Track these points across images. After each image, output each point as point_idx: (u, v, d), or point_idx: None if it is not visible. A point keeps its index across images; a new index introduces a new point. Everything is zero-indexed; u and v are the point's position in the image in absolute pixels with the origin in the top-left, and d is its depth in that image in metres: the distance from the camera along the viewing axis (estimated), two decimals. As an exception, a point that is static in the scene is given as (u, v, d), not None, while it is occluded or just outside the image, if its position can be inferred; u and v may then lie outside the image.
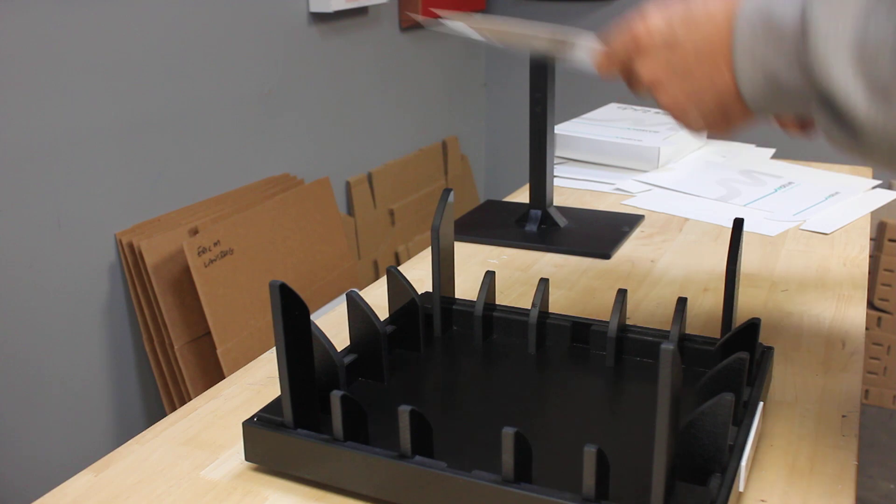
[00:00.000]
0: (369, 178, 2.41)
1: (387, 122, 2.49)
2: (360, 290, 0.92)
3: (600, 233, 1.09)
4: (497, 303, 0.81)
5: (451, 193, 0.87)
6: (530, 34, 0.70)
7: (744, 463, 0.56)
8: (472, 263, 1.03)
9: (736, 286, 0.74)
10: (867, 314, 1.72)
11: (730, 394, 0.54)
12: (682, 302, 0.73)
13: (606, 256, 1.03)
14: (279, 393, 0.61)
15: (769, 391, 0.72)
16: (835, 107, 0.48)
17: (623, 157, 1.35)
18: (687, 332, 0.74)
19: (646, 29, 0.59)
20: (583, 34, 0.68)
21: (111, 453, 0.66)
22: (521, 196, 1.28)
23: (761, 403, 0.63)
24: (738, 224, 0.73)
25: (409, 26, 2.51)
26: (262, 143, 2.04)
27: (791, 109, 0.54)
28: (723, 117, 0.58)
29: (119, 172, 1.70)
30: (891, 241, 2.30)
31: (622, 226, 1.12)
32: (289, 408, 0.60)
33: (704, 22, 0.56)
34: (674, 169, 1.36)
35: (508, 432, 0.52)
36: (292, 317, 0.63)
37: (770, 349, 0.72)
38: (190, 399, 0.75)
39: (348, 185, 2.34)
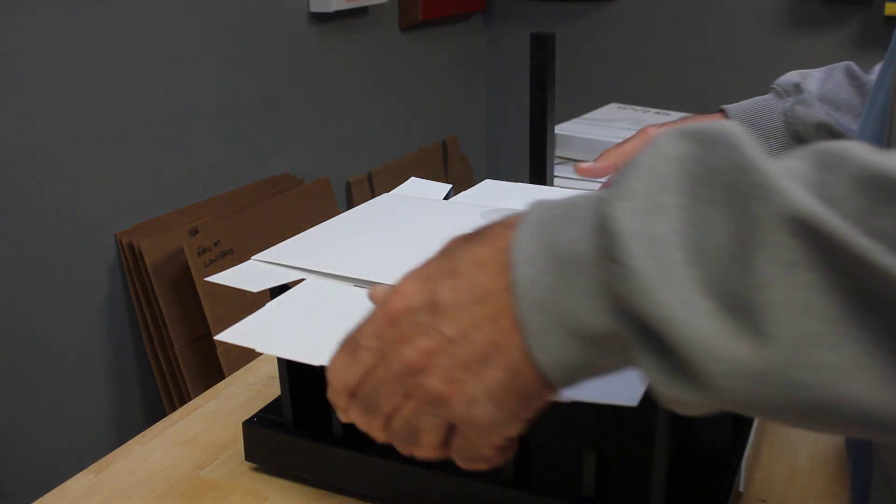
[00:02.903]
0: (369, 178, 2.41)
1: (387, 122, 2.49)
2: (360, 290, 0.91)
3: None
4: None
5: (452, 190, 0.87)
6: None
7: (744, 463, 0.56)
8: (472, 263, 1.03)
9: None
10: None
11: (730, 394, 0.54)
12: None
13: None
14: (279, 393, 0.61)
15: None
16: (668, 345, 0.34)
17: (623, 157, 1.35)
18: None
19: (401, 299, 0.42)
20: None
21: (111, 453, 0.66)
22: (521, 196, 1.28)
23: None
24: None
25: (409, 26, 2.51)
26: (262, 143, 2.04)
27: (607, 367, 0.39)
28: (518, 397, 0.40)
29: (119, 172, 1.70)
30: None
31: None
32: (289, 408, 0.60)
33: (470, 268, 0.40)
34: (674, 169, 1.36)
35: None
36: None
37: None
38: (190, 399, 0.75)
39: (348, 185, 2.34)
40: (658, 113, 1.54)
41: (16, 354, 1.54)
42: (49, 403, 1.61)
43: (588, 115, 1.54)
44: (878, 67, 0.86)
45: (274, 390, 0.74)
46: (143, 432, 0.68)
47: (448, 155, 2.76)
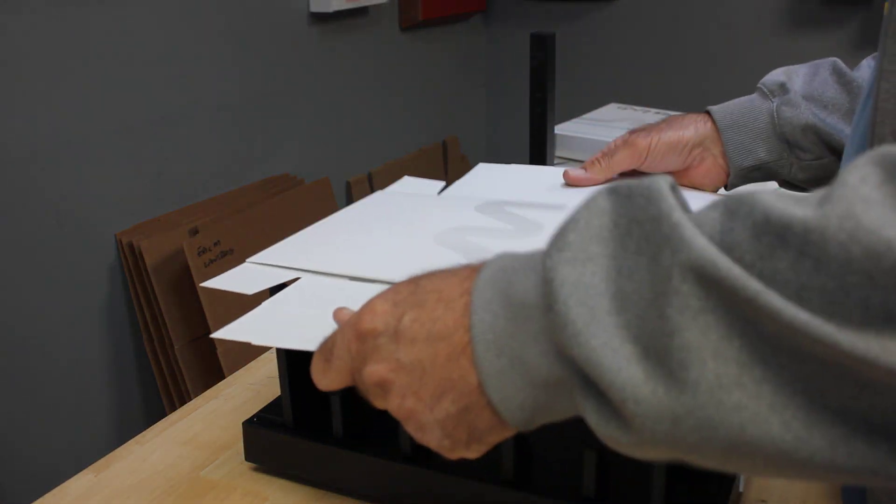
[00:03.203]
0: (369, 178, 2.41)
1: (387, 122, 2.49)
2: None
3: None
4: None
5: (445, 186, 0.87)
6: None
7: (744, 463, 0.56)
8: (472, 263, 1.03)
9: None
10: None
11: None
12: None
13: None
14: (279, 393, 0.61)
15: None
16: (600, 388, 0.37)
17: (623, 158, 1.35)
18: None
19: (370, 319, 0.45)
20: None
21: (111, 453, 0.66)
22: (521, 196, 1.28)
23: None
24: None
25: (409, 26, 2.51)
26: (262, 143, 2.04)
27: (560, 410, 0.41)
28: (468, 430, 0.43)
29: (119, 172, 1.70)
30: None
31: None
32: (289, 408, 0.60)
33: (434, 303, 0.43)
34: (674, 169, 1.36)
35: (508, 433, 0.52)
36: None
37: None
38: (190, 399, 0.75)
39: (348, 185, 2.34)
40: (658, 113, 1.54)
41: (16, 354, 1.54)
42: (49, 403, 1.61)
43: (588, 115, 1.54)
44: (865, 63, 0.85)
45: (274, 390, 0.74)
46: (143, 432, 0.68)
47: (448, 155, 2.76)
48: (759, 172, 0.86)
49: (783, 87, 0.86)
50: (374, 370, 0.44)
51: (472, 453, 0.44)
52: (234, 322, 0.56)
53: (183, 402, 1.70)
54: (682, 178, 0.87)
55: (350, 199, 2.34)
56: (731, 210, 0.36)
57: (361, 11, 2.30)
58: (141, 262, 1.66)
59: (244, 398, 0.73)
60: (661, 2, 2.62)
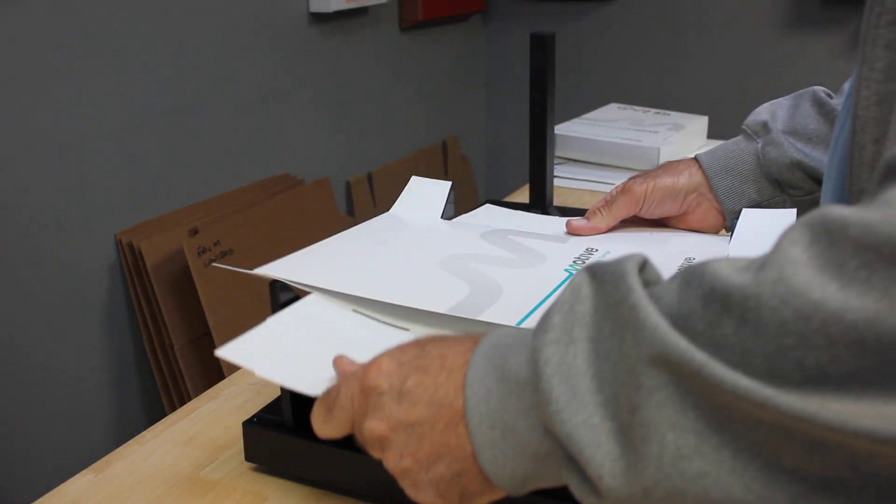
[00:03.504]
0: (369, 178, 2.41)
1: (387, 122, 2.49)
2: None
3: (600, 233, 1.09)
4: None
5: (451, 186, 0.87)
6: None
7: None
8: (472, 263, 1.03)
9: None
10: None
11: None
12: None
13: (606, 257, 1.03)
14: (279, 393, 0.61)
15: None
16: (579, 464, 0.39)
17: (623, 158, 1.35)
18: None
19: (376, 375, 0.47)
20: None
21: (111, 453, 0.66)
22: (521, 196, 1.28)
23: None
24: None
25: (409, 26, 2.51)
26: (262, 143, 2.04)
27: (549, 479, 0.43)
28: (460, 491, 0.45)
29: (119, 172, 1.70)
30: None
31: (622, 226, 1.12)
32: (289, 408, 0.60)
33: (437, 369, 0.46)
34: (674, 169, 1.36)
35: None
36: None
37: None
38: (190, 399, 0.75)
39: (348, 185, 2.34)
40: (658, 113, 1.54)
41: (16, 354, 1.54)
42: (49, 403, 1.61)
43: (588, 115, 1.54)
44: (846, 86, 0.86)
45: (274, 390, 0.74)
46: (143, 432, 0.68)
47: (448, 155, 2.76)
48: None
49: (766, 127, 0.87)
50: (376, 427, 0.47)
51: None
52: (238, 340, 0.56)
53: (183, 402, 1.70)
54: (680, 222, 0.90)
55: (350, 199, 2.34)
56: (686, 280, 0.38)
57: (361, 11, 2.30)
58: (141, 262, 1.66)
59: (244, 398, 0.73)
60: (661, 2, 2.62)
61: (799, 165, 0.84)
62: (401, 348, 0.48)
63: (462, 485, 0.45)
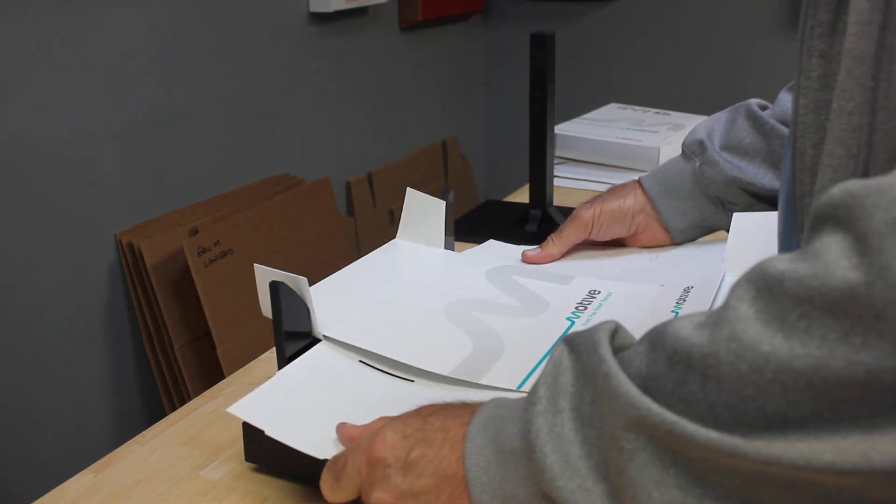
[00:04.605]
0: (369, 178, 2.41)
1: (387, 122, 2.49)
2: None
3: (600, 233, 1.09)
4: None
5: (451, 193, 0.87)
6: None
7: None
8: (472, 263, 1.03)
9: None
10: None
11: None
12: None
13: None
14: (279, 393, 0.61)
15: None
16: None
17: (623, 157, 1.35)
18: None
19: (381, 448, 0.49)
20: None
21: (111, 453, 0.66)
22: (521, 196, 1.28)
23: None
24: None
25: (409, 26, 2.51)
26: (262, 143, 2.04)
27: None
28: None
29: (119, 172, 1.70)
30: None
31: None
32: (289, 408, 0.60)
33: (440, 442, 0.48)
34: (674, 169, 1.36)
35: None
36: (292, 316, 0.63)
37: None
38: (190, 399, 0.75)
39: (348, 185, 2.34)
40: (658, 113, 1.54)
41: (16, 354, 1.54)
42: (49, 403, 1.61)
43: (588, 115, 1.54)
44: (783, 96, 0.89)
45: (274, 390, 0.74)
46: (143, 432, 0.68)
47: (448, 155, 2.76)
48: (699, 230, 0.92)
49: (702, 146, 0.90)
50: (382, 498, 0.49)
51: None
52: (249, 396, 0.59)
53: (183, 402, 1.70)
54: (632, 242, 0.94)
55: (350, 199, 2.34)
56: (652, 343, 0.41)
57: (361, 11, 2.30)
58: (141, 262, 1.66)
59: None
60: (661, 2, 2.62)
61: (735, 182, 0.88)
62: (404, 420, 0.51)
63: None
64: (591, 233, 0.91)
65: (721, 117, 0.93)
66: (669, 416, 0.38)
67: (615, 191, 0.94)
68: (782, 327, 0.36)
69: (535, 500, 0.43)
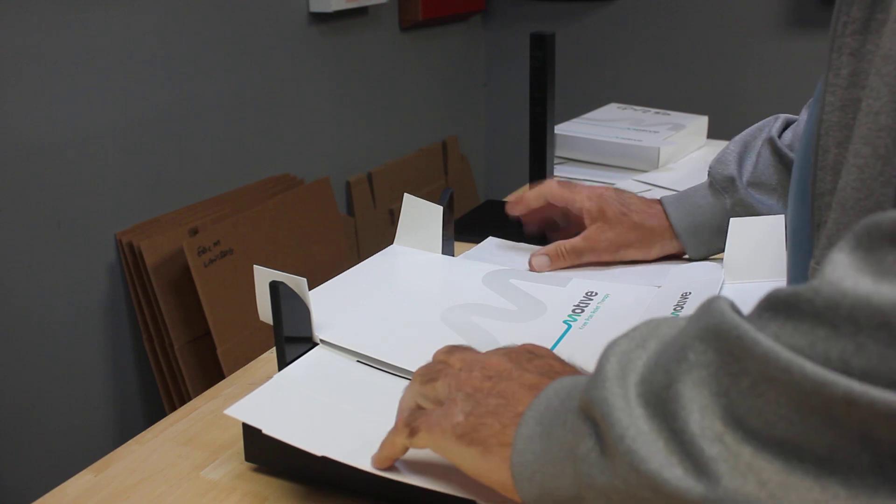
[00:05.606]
0: (369, 178, 2.41)
1: (387, 122, 2.49)
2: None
3: (600, 233, 1.09)
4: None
5: (451, 193, 0.87)
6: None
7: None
8: (472, 263, 1.03)
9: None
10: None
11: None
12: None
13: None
14: (279, 393, 0.61)
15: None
16: (601, 428, 0.43)
17: (623, 158, 1.35)
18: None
19: (486, 366, 0.52)
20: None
21: (111, 453, 0.66)
22: (521, 196, 1.28)
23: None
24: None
25: (409, 26, 2.51)
26: (262, 143, 2.04)
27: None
28: (484, 430, 0.49)
29: (119, 172, 1.70)
30: None
31: (622, 226, 1.11)
32: (289, 408, 0.60)
33: (516, 390, 0.50)
34: (674, 169, 1.36)
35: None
36: (292, 317, 0.63)
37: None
38: (190, 399, 0.75)
39: (348, 185, 2.34)
40: (658, 113, 1.54)
41: (16, 354, 1.54)
42: (49, 403, 1.61)
43: (588, 115, 1.54)
44: (805, 115, 0.89)
45: (274, 390, 0.74)
46: (143, 432, 0.68)
47: (448, 155, 2.76)
48: (714, 252, 0.93)
49: (733, 184, 0.91)
50: (460, 378, 0.52)
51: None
52: (247, 398, 0.59)
53: (183, 402, 1.70)
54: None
55: (350, 199, 2.34)
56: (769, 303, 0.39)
57: (361, 11, 2.30)
58: (141, 262, 1.66)
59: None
60: (661, 2, 2.62)
61: (751, 210, 0.89)
62: (504, 353, 0.54)
63: (490, 428, 0.48)
64: (607, 258, 0.91)
65: (750, 146, 0.94)
66: (748, 328, 0.37)
67: (639, 233, 0.92)
68: (877, 270, 0.35)
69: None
